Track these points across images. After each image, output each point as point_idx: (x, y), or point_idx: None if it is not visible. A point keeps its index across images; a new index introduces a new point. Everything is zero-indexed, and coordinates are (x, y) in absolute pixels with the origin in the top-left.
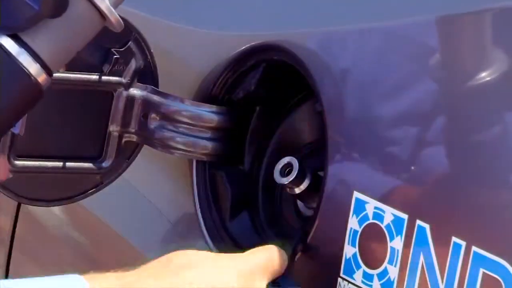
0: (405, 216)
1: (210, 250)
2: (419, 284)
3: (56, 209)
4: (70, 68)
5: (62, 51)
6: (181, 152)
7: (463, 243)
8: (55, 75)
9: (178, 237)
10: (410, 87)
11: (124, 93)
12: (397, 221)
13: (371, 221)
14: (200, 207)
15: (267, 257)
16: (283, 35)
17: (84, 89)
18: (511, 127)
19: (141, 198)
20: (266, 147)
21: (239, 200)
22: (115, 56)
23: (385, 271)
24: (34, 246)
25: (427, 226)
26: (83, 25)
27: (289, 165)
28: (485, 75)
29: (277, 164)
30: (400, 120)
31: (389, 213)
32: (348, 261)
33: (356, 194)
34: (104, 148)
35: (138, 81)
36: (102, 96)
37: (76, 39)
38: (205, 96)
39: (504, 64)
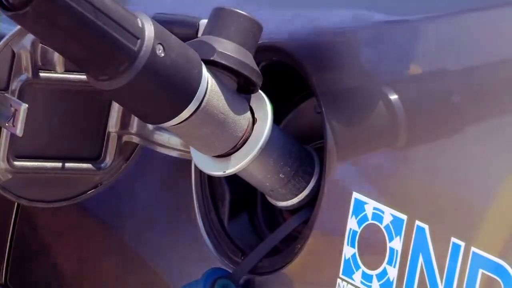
0: (404, 217)
1: (209, 250)
2: (418, 284)
3: (56, 210)
4: (69, 68)
5: None
6: (180, 152)
7: (462, 244)
8: (55, 75)
9: (177, 238)
10: (409, 87)
11: None
12: (396, 221)
13: (370, 221)
14: (199, 208)
15: None
16: (282, 35)
17: (84, 89)
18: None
19: (140, 199)
20: None
21: (238, 201)
22: None
23: (384, 272)
24: (34, 247)
25: (426, 227)
26: None
27: None
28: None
29: None
30: (399, 120)
31: (388, 214)
32: (347, 261)
33: (355, 195)
34: (103, 149)
35: None
36: (102, 97)
37: None
38: None
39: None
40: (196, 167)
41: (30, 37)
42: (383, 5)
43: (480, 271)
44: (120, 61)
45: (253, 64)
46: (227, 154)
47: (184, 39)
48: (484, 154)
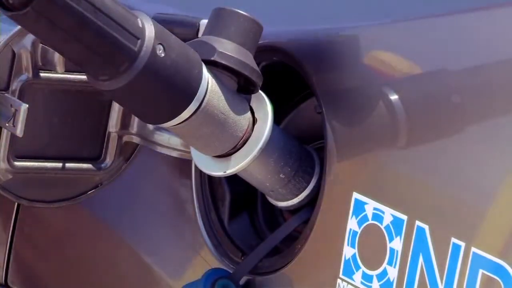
0: (404, 217)
1: (209, 250)
2: (418, 285)
3: (56, 210)
4: (70, 69)
5: None
6: (180, 152)
7: (463, 244)
8: (55, 75)
9: (177, 238)
10: (409, 87)
11: None
12: (396, 221)
13: (370, 221)
14: (199, 208)
15: None
16: (282, 36)
17: (84, 89)
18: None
19: (140, 199)
20: None
21: (238, 201)
22: None
23: (384, 272)
24: (34, 247)
25: (426, 227)
26: None
27: None
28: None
29: None
30: (400, 120)
31: (389, 214)
32: (347, 262)
33: (356, 195)
34: (104, 149)
35: None
36: (102, 97)
37: None
38: None
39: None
40: (196, 167)
41: (30, 37)
42: (383, 4)
43: (480, 271)
44: (121, 61)
45: (253, 64)
46: (227, 154)
47: (185, 39)
48: (484, 154)
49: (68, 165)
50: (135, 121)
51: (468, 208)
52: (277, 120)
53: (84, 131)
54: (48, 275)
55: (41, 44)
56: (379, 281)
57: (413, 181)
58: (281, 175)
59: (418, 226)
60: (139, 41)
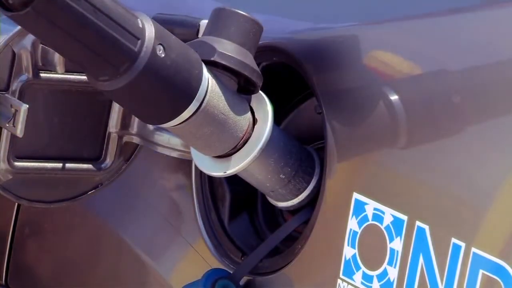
0: (404, 217)
1: (209, 250)
2: (418, 285)
3: (56, 210)
4: (70, 69)
5: None
6: (180, 152)
7: (463, 244)
8: (56, 76)
9: (177, 238)
10: (409, 87)
11: None
12: (396, 222)
13: (370, 222)
14: (199, 208)
15: None
16: (282, 36)
17: (84, 90)
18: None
19: (140, 199)
20: None
21: (238, 201)
22: None
23: (384, 272)
24: (34, 247)
25: (426, 227)
26: None
27: None
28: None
29: None
30: (400, 120)
31: (389, 214)
32: (347, 262)
33: (356, 195)
34: (104, 149)
35: None
36: (102, 97)
37: None
38: None
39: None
40: (196, 167)
41: (30, 38)
42: (383, 4)
43: (481, 271)
44: (121, 62)
45: (253, 64)
46: (227, 155)
47: (185, 39)
48: (485, 154)
49: (68, 165)
50: (135, 121)
51: (468, 208)
52: (277, 120)
53: (84, 131)
54: (48, 275)
55: (41, 44)
56: (379, 281)
57: (413, 181)
58: (281, 176)
59: (418, 226)
60: (139, 42)
